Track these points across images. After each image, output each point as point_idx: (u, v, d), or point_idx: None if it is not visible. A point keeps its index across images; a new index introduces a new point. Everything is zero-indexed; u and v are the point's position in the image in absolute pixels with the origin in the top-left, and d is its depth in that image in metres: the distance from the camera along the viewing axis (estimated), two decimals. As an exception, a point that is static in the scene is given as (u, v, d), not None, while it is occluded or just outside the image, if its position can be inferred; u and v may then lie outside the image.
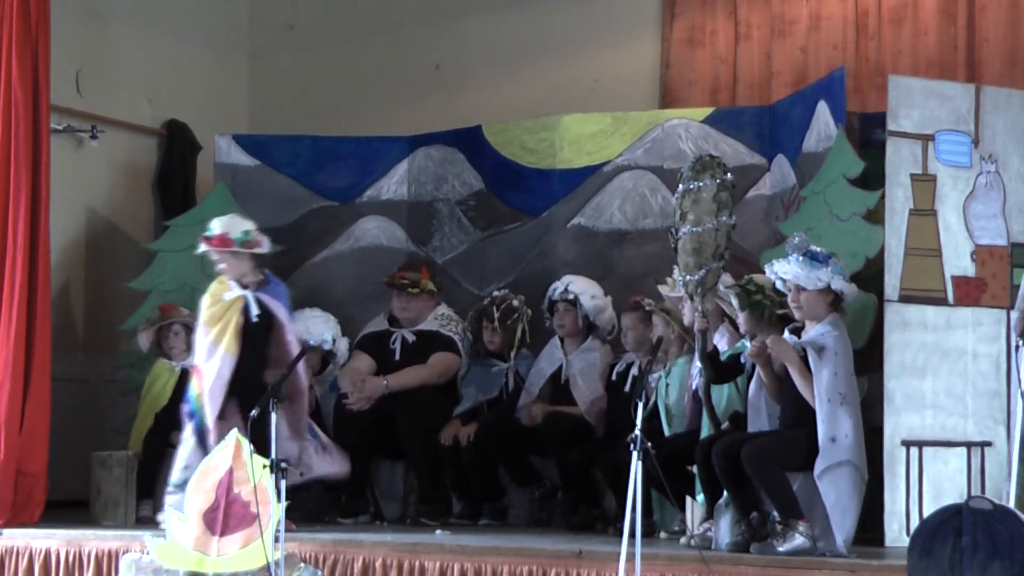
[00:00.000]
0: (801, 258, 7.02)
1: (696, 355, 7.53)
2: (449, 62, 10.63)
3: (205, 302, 8.09)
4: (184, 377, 8.81)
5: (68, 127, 9.67)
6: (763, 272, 7.32)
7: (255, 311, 8.09)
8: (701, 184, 7.39)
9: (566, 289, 8.81)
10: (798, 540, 6.80)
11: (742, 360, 7.44)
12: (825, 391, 6.89)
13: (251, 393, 7.54)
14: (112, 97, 10.08)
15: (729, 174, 7.45)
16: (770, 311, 7.31)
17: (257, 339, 8.09)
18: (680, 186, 7.48)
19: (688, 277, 7.40)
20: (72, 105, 9.74)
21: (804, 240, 7.10)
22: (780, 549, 6.78)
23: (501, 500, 8.95)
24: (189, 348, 8.90)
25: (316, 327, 8.95)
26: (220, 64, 11.01)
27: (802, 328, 7.11)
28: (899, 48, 9.22)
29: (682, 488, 7.54)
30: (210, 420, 7.97)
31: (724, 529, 7.14)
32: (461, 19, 10.59)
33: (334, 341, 9.13)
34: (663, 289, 7.93)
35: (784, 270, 7.06)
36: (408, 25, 10.75)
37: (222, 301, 8.07)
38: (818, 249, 7.06)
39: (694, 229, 7.37)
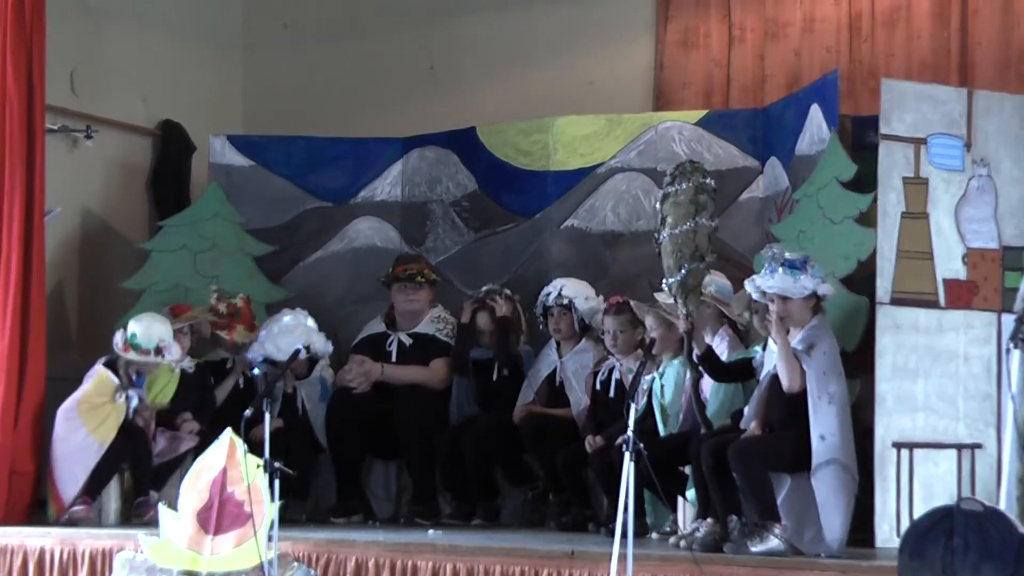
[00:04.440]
0: (781, 269, 7.04)
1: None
2: (443, 63, 10.65)
3: (92, 387, 8.50)
4: (184, 378, 8.83)
5: (63, 127, 9.68)
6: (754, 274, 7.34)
7: (134, 404, 8.55)
8: (679, 188, 7.44)
9: (560, 294, 8.83)
10: (772, 542, 6.83)
11: (754, 364, 7.46)
12: (815, 389, 6.92)
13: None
14: (107, 97, 10.10)
15: (709, 178, 7.47)
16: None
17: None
18: (660, 191, 7.53)
19: (670, 279, 7.44)
20: (67, 105, 9.75)
21: (779, 250, 7.13)
22: (754, 550, 6.80)
23: (495, 500, 8.98)
24: (192, 349, 8.95)
25: (285, 341, 8.89)
26: (214, 64, 11.03)
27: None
28: (892, 51, 9.23)
29: (674, 489, 7.59)
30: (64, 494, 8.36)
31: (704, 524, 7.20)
32: (455, 20, 10.62)
33: (308, 348, 9.06)
34: (660, 296, 7.94)
35: (769, 284, 7.06)
36: (402, 26, 10.77)
37: (114, 402, 8.49)
38: (793, 256, 7.09)
39: (672, 232, 7.41)
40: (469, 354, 9.12)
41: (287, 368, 8.28)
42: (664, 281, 7.48)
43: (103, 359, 8.61)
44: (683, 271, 7.34)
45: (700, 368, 7.47)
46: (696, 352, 7.44)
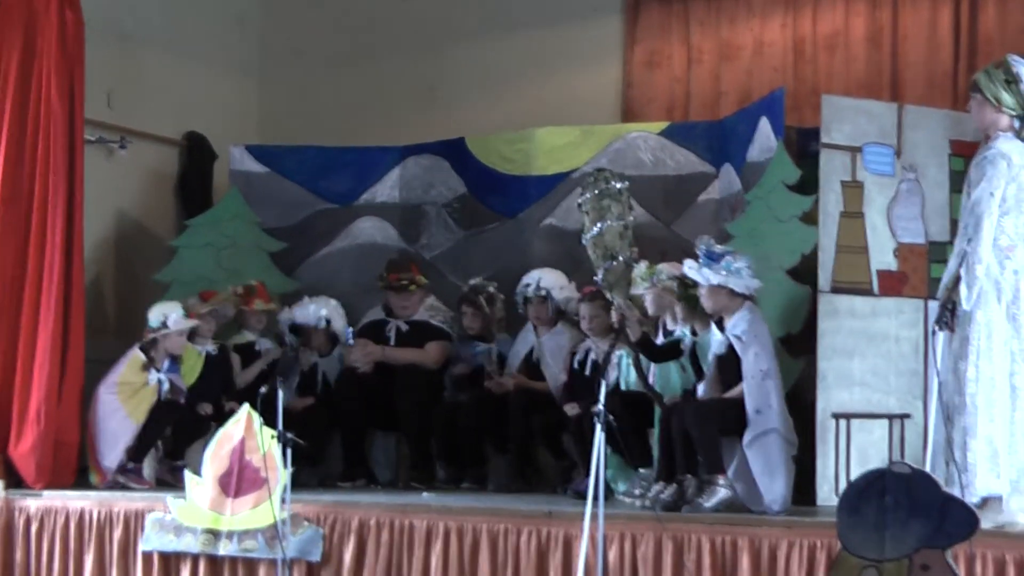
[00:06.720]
0: (700, 258, 7.07)
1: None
2: (436, 82, 10.61)
3: (127, 367, 8.47)
4: (208, 359, 8.81)
5: (100, 138, 9.64)
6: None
7: (166, 388, 8.51)
8: (585, 198, 7.45)
9: (538, 286, 8.79)
10: (720, 493, 6.87)
11: (682, 347, 7.47)
12: (749, 369, 6.93)
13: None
14: (139, 111, 10.05)
15: (615, 181, 7.44)
16: (700, 303, 7.34)
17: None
18: (576, 202, 7.55)
19: (596, 278, 7.46)
20: (104, 119, 9.70)
21: (708, 241, 7.15)
22: (706, 505, 6.82)
23: (483, 467, 8.97)
24: (216, 333, 8.93)
25: (312, 307, 9.07)
26: (235, 83, 10.99)
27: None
28: (832, 71, 9.24)
29: (639, 450, 7.59)
30: (107, 462, 8.32)
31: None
32: (447, 45, 10.58)
33: (328, 321, 9.15)
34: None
35: (686, 268, 7.14)
36: (399, 50, 10.74)
37: (146, 385, 8.44)
38: (717, 249, 7.09)
39: (586, 237, 7.43)
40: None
41: (298, 356, 8.21)
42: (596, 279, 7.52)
43: (138, 344, 8.60)
44: (602, 271, 7.38)
45: (637, 351, 7.47)
46: (632, 338, 7.42)
